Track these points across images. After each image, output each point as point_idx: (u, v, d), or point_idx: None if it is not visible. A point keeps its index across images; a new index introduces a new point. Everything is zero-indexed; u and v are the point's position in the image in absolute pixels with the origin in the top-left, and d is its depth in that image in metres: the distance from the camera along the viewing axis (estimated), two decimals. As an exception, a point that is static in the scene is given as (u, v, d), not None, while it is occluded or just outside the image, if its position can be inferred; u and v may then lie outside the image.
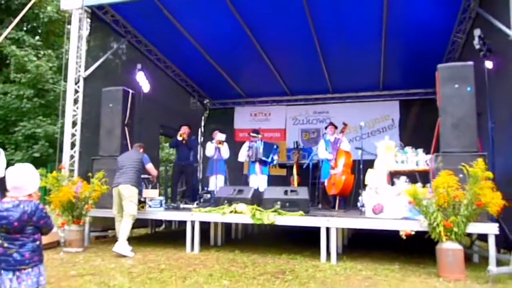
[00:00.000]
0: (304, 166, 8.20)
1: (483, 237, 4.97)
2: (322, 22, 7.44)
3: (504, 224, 4.86)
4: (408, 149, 6.27)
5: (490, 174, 4.43)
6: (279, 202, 5.82)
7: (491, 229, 4.62)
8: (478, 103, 5.18)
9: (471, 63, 5.20)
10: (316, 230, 5.33)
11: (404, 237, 4.77)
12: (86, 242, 6.35)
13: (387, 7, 6.81)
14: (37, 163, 12.30)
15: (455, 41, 7.68)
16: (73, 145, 6.92)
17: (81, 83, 7.07)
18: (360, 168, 6.77)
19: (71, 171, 6.79)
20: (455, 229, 4.38)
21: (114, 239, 5.79)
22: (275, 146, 8.18)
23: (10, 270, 2.40)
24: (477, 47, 5.32)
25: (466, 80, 5.10)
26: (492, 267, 4.47)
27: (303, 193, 6.04)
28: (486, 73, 5.58)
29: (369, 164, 6.42)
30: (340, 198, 7.45)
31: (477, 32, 5.31)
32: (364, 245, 6.55)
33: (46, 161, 13.31)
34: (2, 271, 2.41)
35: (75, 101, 7.03)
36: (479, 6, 6.24)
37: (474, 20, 6.65)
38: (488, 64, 5.58)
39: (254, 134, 8.13)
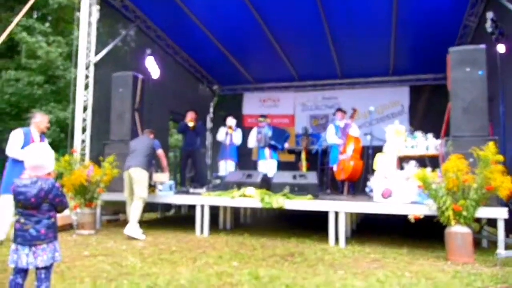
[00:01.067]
0: (313, 152, 8.22)
1: (493, 223, 4.97)
2: (332, 6, 7.35)
3: (513, 208, 4.85)
4: (418, 133, 6.24)
5: (501, 158, 4.41)
6: (288, 187, 5.86)
7: (501, 213, 4.62)
8: (490, 87, 5.12)
9: (483, 46, 5.13)
10: (325, 214, 5.37)
11: (413, 221, 4.79)
12: (98, 225, 6.46)
13: (397, -10, 6.72)
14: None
15: (467, 25, 7.55)
16: (84, 130, 7.00)
17: (91, 69, 7.12)
18: (369, 153, 6.77)
19: (83, 155, 6.88)
20: (464, 213, 4.38)
21: (125, 223, 5.88)
22: (286, 134, 8.20)
23: (26, 245, 2.48)
24: (489, 30, 5.27)
25: (478, 63, 5.04)
26: (501, 251, 4.49)
27: (312, 178, 6.07)
28: (498, 57, 5.52)
29: (378, 150, 6.41)
30: (349, 183, 7.46)
31: (489, 15, 5.26)
32: (373, 230, 6.59)
33: (58, 146, 13.47)
34: (19, 246, 2.49)
35: (86, 87, 7.08)
36: (492, -11, 6.13)
37: (487, 3, 6.53)
38: (501, 48, 5.53)
39: (261, 119, 8.17)
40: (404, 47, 8.76)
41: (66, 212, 5.63)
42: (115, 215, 7.23)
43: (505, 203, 4.74)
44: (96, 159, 6.42)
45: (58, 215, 2.68)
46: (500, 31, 5.39)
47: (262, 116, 8.34)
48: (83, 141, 6.98)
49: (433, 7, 7.02)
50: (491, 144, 4.44)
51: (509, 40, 5.52)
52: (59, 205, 2.59)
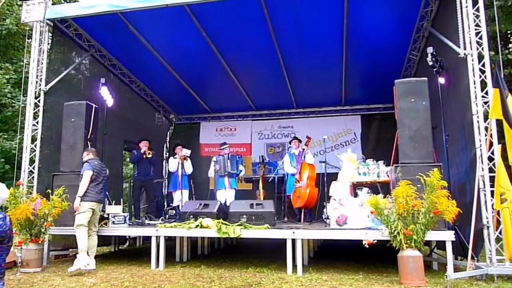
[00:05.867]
0: (270, 180, 8.30)
1: (442, 246, 5.18)
2: (286, 40, 7.64)
3: (459, 231, 5.10)
4: (370, 161, 6.48)
5: (445, 183, 4.67)
6: (245, 216, 5.85)
7: (448, 236, 4.84)
8: (433, 116, 5.45)
9: (425, 78, 5.49)
10: (283, 242, 5.39)
11: (367, 246, 4.90)
12: (45, 261, 6.09)
13: (346, 28, 7.10)
14: (-7, 180, 11.74)
15: (411, 59, 8.08)
16: (32, 161, 6.70)
17: (41, 98, 6.89)
18: (324, 180, 6.93)
19: (30, 187, 6.55)
20: (415, 237, 4.55)
21: (75, 258, 5.59)
22: (237, 157, 8.29)
23: None
24: (430, 63, 5.65)
25: (421, 94, 5.37)
26: (450, 273, 4.67)
27: (268, 206, 6.09)
28: (439, 88, 5.93)
29: (333, 177, 6.58)
30: (306, 210, 7.56)
31: (429, 50, 5.65)
32: (330, 256, 6.66)
33: (2, 178, 12.72)
34: None
35: (35, 116, 6.83)
36: (431, 26, 6.62)
37: (428, 38, 7.04)
38: (441, 80, 5.94)
39: (224, 146, 8.23)
40: (355, 79, 9.20)
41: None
42: (64, 250, 6.85)
43: (452, 226, 4.98)
44: (45, 192, 6.13)
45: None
46: (440, 65, 5.80)
47: (224, 143, 8.41)
48: (31, 172, 6.66)
49: (379, 42, 7.48)
50: (436, 170, 4.69)
51: (448, 72, 5.96)
52: (11, 241, 2.49)
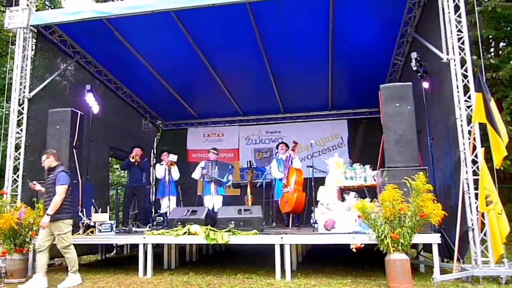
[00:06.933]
0: (258, 185, 8.30)
1: (428, 249, 5.24)
2: (272, 46, 7.67)
3: (445, 233, 5.17)
4: (357, 165, 6.52)
5: (430, 187, 4.73)
6: (233, 222, 5.84)
7: (434, 239, 4.89)
8: (418, 120, 5.53)
9: (409, 83, 5.57)
10: (271, 247, 5.38)
11: (354, 250, 4.92)
12: (30, 271, 5.97)
13: (332, 33, 7.17)
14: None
15: (395, 64, 8.19)
16: (16, 169, 6.59)
17: (25, 105, 6.80)
18: (312, 185, 6.95)
19: (14, 196, 6.44)
20: (401, 240, 4.59)
21: (61, 268, 5.51)
22: (230, 166, 8.26)
23: None
24: (414, 68, 5.74)
25: (406, 99, 5.44)
26: (437, 275, 4.73)
27: (256, 212, 6.10)
28: (423, 92, 6.02)
29: (321, 181, 6.61)
30: (294, 215, 7.57)
31: (413, 55, 5.75)
32: (318, 261, 6.68)
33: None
34: None
35: (19, 123, 6.73)
36: (415, 32, 6.73)
37: (411, 43, 7.15)
38: (425, 85, 6.03)
39: (214, 151, 8.22)
40: (341, 84, 9.28)
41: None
42: (50, 259, 6.72)
43: (438, 229, 5.04)
44: (29, 200, 6.02)
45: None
46: (424, 70, 5.90)
47: (214, 148, 8.40)
48: (15, 181, 6.55)
49: (365, 47, 7.55)
50: (421, 174, 4.75)
51: (432, 77, 6.05)
52: None
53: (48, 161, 5.28)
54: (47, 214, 4.96)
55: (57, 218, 5.02)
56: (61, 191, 5.01)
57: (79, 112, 6.72)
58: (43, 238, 5.13)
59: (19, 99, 6.80)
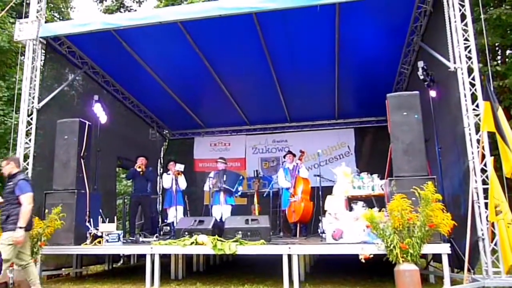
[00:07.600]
0: (265, 195, 8.27)
1: (438, 259, 5.17)
2: (279, 56, 7.71)
3: (455, 243, 5.11)
4: (364, 174, 6.50)
5: (439, 196, 4.68)
6: (240, 232, 5.81)
7: (444, 249, 4.83)
8: (426, 129, 5.50)
9: (416, 92, 5.55)
10: (279, 258, 5.35)
11: (363, 261, 4.88)
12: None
13: (338, 43, 7.19)
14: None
15: (402, 72, 8.18)
16: (24, 179, 6.61)
17: (34, 115, 6.86)
18: (319, 194, 6.92)
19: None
20: (411, 251, 4.54)
21: (68, 278, 5.51)
22: (241, 177, 8.21)
23: None
24: (421, 77, 5.73)
25: (413, 108, 5.42)
26: (447, 286, 4.66)
27: (264, 222, 6.06)
28: (431, 101, 5.99)
29: (328, 190, 6.58)
30: (301, 225, 7.53)
31: (420, 64, 5.74)
32: (327, 271, 6.61)
33: (-6, 197, 12.55)
34: None
35: (28, 134, 6.79)
36: (421, 40, 6.72)
37: (418, 52, 7.14)
38: (432, 93, 6.01)
39: (222, 160, 8.21)
40: (347, 93, 9.28)
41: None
42: (57, 269, 6.74)
43: (448, 239, 4.98)
44: (37, 210, 6.03)
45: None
46: (431, 78, 5.88)
47: (222, 158, 8.39)
48: (23, 191, 6.57)
49: (371, 56, 7.55)
50: (430, 183, 4.71)
51: (439, 86, 6.03)
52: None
53: (8, 167, 4.91)
54: (20, 227, 4.58)
55: (11, 229, 4.62)
56: (29, 200, 4.68)
57: (87, 122, 6.78)
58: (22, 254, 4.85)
59: (28, 110, 6.87)
